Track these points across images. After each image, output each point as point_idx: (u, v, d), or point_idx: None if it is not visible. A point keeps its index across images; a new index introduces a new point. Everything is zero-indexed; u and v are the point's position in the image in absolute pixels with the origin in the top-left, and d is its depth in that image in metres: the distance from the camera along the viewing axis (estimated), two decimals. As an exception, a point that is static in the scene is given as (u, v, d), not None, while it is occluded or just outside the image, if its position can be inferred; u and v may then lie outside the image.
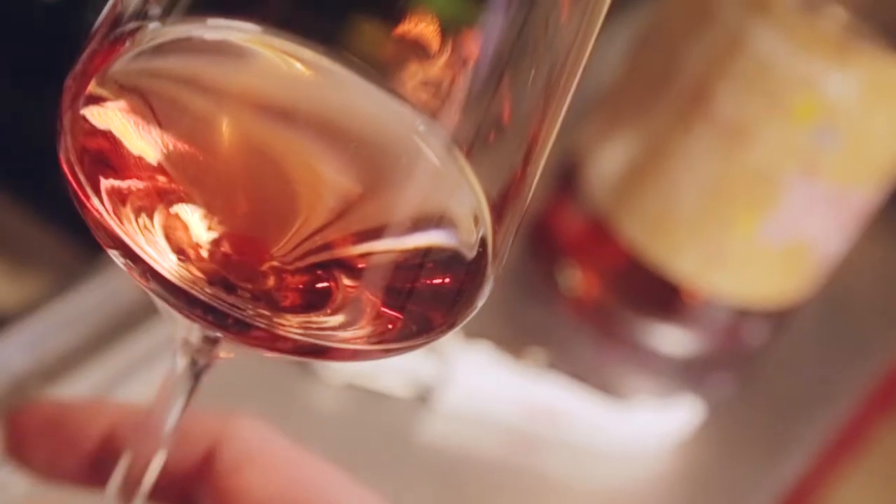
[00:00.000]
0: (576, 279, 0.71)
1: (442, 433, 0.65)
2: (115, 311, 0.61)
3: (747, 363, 0.73)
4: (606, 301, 0.71)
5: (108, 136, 0.34)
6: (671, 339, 0.71)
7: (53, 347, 0.59)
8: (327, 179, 0.34)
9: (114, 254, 0.33)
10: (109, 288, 0.61)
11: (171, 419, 0.39)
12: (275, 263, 0.33)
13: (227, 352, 0.37)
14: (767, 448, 0.70)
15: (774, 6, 0.62)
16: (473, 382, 0.65)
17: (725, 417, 0.70)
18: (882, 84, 0.63)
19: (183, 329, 0.36)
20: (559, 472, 0.66)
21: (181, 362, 0.37)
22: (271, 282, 0.33)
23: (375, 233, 0.33)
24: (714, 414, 0.69)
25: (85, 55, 0.34)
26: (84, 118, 0.34)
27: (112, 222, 0.33)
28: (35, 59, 0.71)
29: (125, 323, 0.61)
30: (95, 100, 0.34)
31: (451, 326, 0.34)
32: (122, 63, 0.34)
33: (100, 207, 0.33)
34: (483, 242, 0.34)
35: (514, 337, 0.68)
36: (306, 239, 0.33)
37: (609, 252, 0.70)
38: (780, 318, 0.71)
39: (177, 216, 0.33)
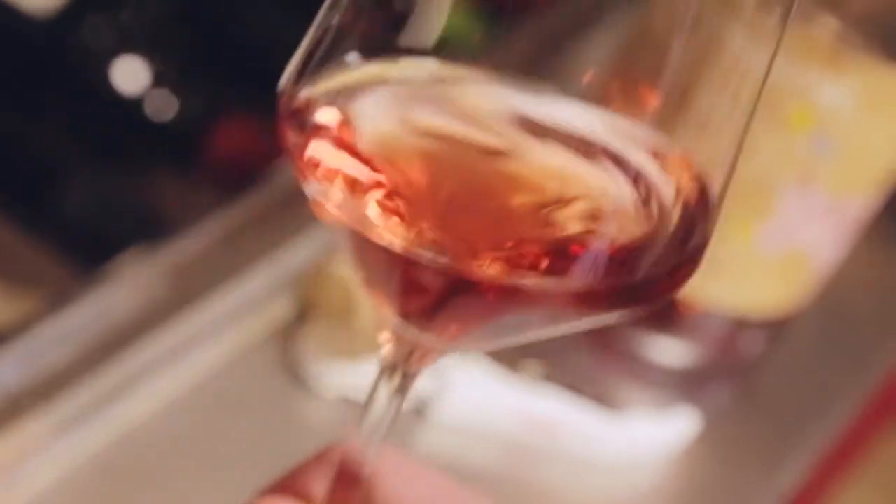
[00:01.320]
0: (572, 291, 0.71)
1: (439, 446, 0.65)
2: (109, 327, 0.61)
3: (744, 373, 0.73)
4: (603, 312, 0.71)
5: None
6: (668, 350, 0.70)
7: (47, 364, 0.59)
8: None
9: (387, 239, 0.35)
10: (103, 305, 0.61)
11: (376, 443, 0.40)
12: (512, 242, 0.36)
13: (434, 347, 0.38)
14: (765, 459, 0.70)
15: (767, 15, 0.62)
16: (470, 395, 0.65)
17: (723, 428, 0.70)
18: (876, 93, 0.62)
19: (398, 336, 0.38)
20: (557, 484, 0.66)
21: (387, 387, 0.39)
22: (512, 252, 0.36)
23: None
24: (711, 425, 0.69)
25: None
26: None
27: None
28: (30, 78, 0.71)
29: (119, 340, 0.61)
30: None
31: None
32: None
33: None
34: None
35: (510, 349, 0.68)
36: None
37: (605, 263, 0.70)
38: (777, 328, 0.71)
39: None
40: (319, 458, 0.43)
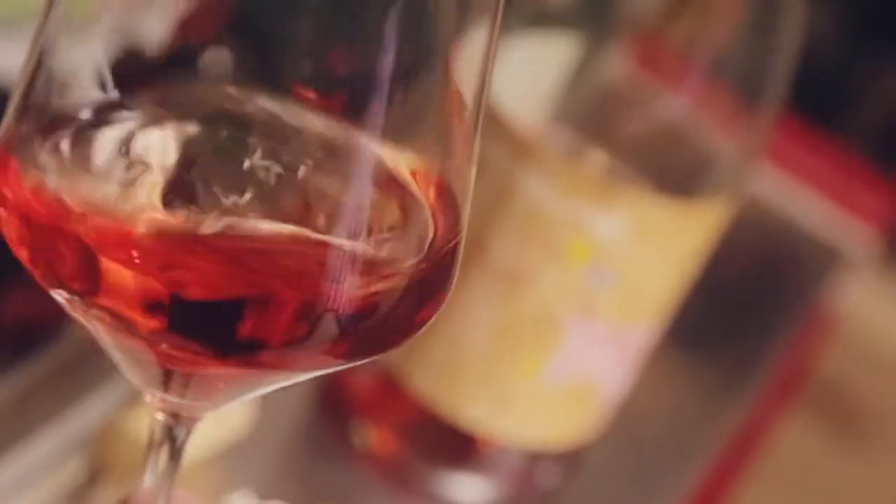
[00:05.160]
0: (369, 435, 0.71)
1: None
2: None
3: (543, 506, 0.73)
4: (401, 454, 0.71)
5: None
6: (467, 487, 0.71)
7: None
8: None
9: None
10: None
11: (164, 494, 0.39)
12: None
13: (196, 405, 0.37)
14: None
15: (539, 152, 0.64)
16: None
17: (522, 561, 0.70)
18: (646, 224, 0.64)
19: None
20: None
21: (165, 443, 0.38)
22: None
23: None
24: (513, 559, 0.70)
25: None
26: None
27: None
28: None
29: None
30: None
31: None
32: None
33: None
34: None
35: (309, 497, 0.68)
36: None
37: (400, 405, 0.70)
38: (571, 459, 0.72)
39: None
40: None
